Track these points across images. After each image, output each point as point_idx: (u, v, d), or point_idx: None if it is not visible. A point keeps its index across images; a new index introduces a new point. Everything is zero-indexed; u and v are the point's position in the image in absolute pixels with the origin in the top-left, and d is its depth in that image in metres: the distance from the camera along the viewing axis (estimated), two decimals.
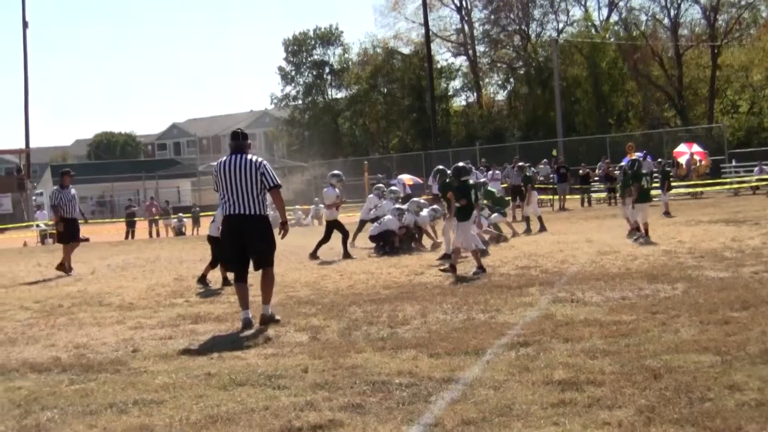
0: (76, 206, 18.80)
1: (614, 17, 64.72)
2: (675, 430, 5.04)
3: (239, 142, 9.96)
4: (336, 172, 19.94)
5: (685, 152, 39.82)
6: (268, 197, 9.89)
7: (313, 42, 77.29)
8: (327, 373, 6.97)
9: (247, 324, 9.50)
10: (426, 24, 59.22)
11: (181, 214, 43.78)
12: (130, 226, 40.44)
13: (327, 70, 77.11)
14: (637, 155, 31.10)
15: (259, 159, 9.84)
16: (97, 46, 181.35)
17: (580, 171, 37.98)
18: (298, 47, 77.07)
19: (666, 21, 62.70)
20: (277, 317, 9.73)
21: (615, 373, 6.44)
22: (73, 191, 18.74)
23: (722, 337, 7.44)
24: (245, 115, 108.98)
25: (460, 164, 15.12)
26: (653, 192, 28.83)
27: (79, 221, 18.99)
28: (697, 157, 39.45)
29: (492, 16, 68.11)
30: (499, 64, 71.16)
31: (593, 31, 63.58)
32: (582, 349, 7.34)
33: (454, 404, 5.85)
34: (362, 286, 12.86)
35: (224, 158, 10.00)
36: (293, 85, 77.75)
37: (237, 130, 10.32)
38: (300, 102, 77.71)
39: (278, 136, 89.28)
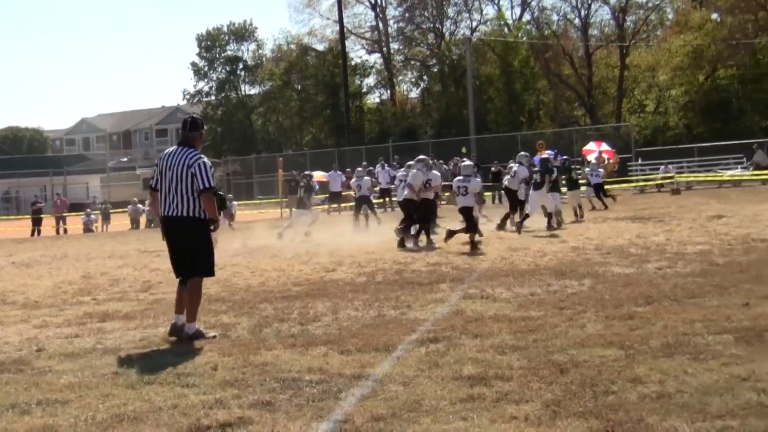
0: None
1: (527, 17, 65.47)
2: (580, 423, 5.13)
3: (186, 132, 8.90)
4: (421, 156, 19.45)
5: (594, 150, 40.54)
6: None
7: (226, 38, 76.54)
8: (237, 371, 6.93)
9: (174, 329, 8.60)
10: (340, 21, 59.26)
11: (89, 210, 43.05)
12: (36, 223, 39.56)
13: (240, 66, 76.48)
14: (547, 153, 31.64)
15: (196, 155, 8.70)
16: (3, 38, 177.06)
17: (492, 168, 38.31)
18: (211, 43, 76.22)
19: (577, 21, 63.62)
20: (212, 334, 8.66)
21: (523, 368, 6.53)
22: None
23: (626, 332, 7.60)
24: (157, 111, 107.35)
25: None
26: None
27: None
28: (605, 156, 40.20)
29: (406, 14, 68.24)
30: (413, 62, 71.35)
31: (506, 30, 64.21)
32: (491, 344, 7.42)
33: (364, 400, 5.87)
34: (273, 283, 12.81)
35: (168, 150, 8.96)
36: (206, 80, 76.92)
37: (187, 117, 9.18)
38: (213, 98, 76.89)
39: None
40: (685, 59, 54.08)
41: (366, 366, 6.89)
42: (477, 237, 16.49)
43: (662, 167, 40.89)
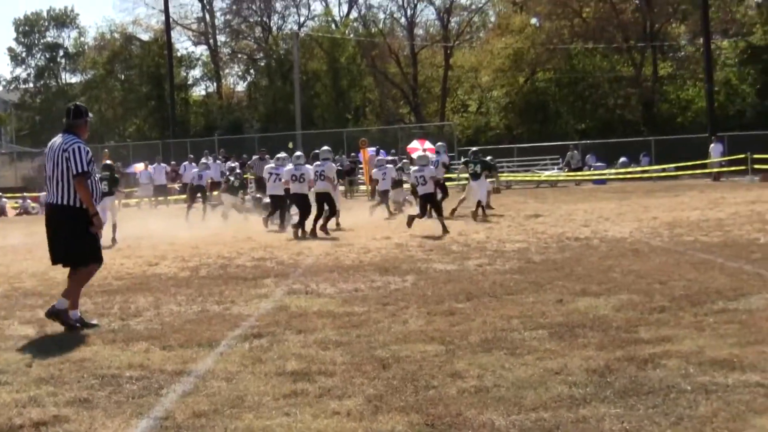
0: None
1: (354, 14, 66.15)
2: (401, 417, 5.21)
3: (69, 120, 8.70)
4: (328, 148, 20.31)
5: (418, 148, 41.26)
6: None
7: (46, 23, 73.94)
8: (53, 368, 6.73)
9: (52, 312, 8.42)
10: (166, 11, 57.97)
11: None
12: None
13: (61, 53, 73.98)
14: (369, 151, 32.32)
15: (72, 140, 8.51)
16: None
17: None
18: (30, 28, 73.45)
19: (403, 20, 64.75)
20: (93, 322, 8.61)
21: (346, 363, 6.59)
22: None
23: (447, 328, 7.77)
24: None
25: None
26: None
27: None
28: (429, 153, 40.97)
29: (234, 7, 67.58)
30: (240, 55, 70.86)
31: (333, 26, 64.59)
32: (315, 340, 7.46)
33: (185, 397, 5.80)
34: (93, 277, 12.43)
35: (54, 139, 8.74)
36: (24, 67, 74.10)
37: (70, 105, 9.01)
38: (31, 85, 74.12)
39: (6, 120, 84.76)
40: (506, 61, 55.71)
41: (188, 362, 6.81)
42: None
43: None
